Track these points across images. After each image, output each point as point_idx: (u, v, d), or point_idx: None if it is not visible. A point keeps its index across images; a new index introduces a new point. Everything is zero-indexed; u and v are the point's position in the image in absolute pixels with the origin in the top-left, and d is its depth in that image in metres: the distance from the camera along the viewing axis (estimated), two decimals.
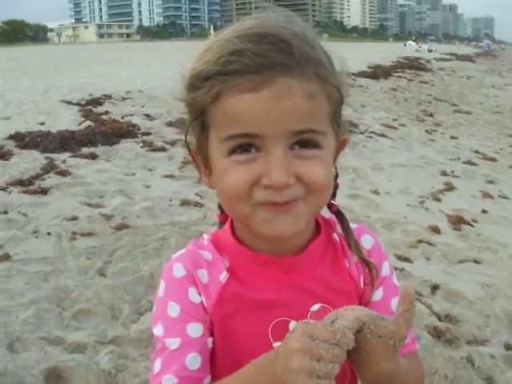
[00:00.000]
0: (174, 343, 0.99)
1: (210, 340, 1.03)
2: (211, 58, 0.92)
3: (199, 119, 0.97)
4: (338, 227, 1.12)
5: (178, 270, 1.04)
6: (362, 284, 1.08)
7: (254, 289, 1.04)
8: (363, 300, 1.09)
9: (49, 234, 4.71)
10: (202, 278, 1.03)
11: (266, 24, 0.94)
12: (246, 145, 0.91)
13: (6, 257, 4.21)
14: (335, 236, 1.10)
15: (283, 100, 0.88)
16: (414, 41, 75.95)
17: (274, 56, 0.88)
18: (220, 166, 0.95)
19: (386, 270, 1.11)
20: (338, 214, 1.12)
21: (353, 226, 1.13)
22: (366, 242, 1.12)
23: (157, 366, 1.00)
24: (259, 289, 1.04)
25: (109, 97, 12.37)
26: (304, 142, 0.92)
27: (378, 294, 1.09)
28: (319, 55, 0.94)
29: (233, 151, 0.93)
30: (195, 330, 1.01)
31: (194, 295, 1.02)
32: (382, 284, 1.09)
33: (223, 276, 1.04)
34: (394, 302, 1.08)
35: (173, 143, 8.20)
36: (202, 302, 1.02)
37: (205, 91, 0.92)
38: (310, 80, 0.90)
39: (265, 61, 0.88)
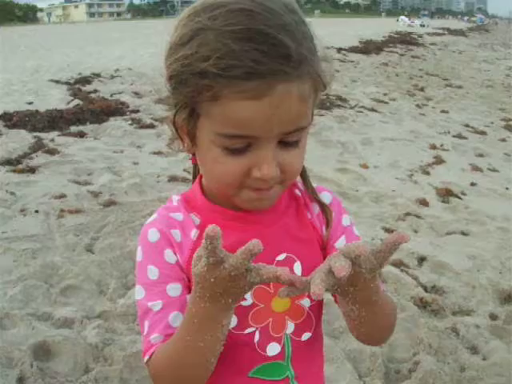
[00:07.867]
0: (157, 305, 1.06)
1: (188, 296, 1.07)
2: (206, 55, 0.90)
3: (189, 107, 0.97)
4: (299, 185, 1.18)
5: (153, 235, 1.09)
6: (324, 233, 1.16)
7: (224, 241, 1.07)
8: (327, 248, 1.16)
9: (37, 211, 4.70)
10: (175, 238, 1.09)
11: (253, 14, 0.90)
12: (241, 142, 0.95)
13: None
14: (297, 191, 1.18)
15: (282, 107, 0.91)
16: (406, 16, 75.62)
17: (275, 63, 0.88)
18: (212, 153, 0.98)
19: (346, 221, 1.19)
20: (302, 171, 1.17)
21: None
22: (325, 197, 1.19)
23: (146, 327, 1.07)
24: (228, 241, 1.06)
25: (98, 75, 12.29)
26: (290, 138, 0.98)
27: (341, 242, 1.15)
28: (309, 48, 0.94)
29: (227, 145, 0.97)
30: (174, 289, 1.07)
31: (170, 256, 1.08)
32: (344, 233, 1.17)
33: (194, 233, 1.09)
34: None
35: (161, 120, 8.15)
36: (177, 262, 1.08)
37: (200, 88, 0.92)
38: (304, 81, 0.93)
39: (266, 68, 0.88)
